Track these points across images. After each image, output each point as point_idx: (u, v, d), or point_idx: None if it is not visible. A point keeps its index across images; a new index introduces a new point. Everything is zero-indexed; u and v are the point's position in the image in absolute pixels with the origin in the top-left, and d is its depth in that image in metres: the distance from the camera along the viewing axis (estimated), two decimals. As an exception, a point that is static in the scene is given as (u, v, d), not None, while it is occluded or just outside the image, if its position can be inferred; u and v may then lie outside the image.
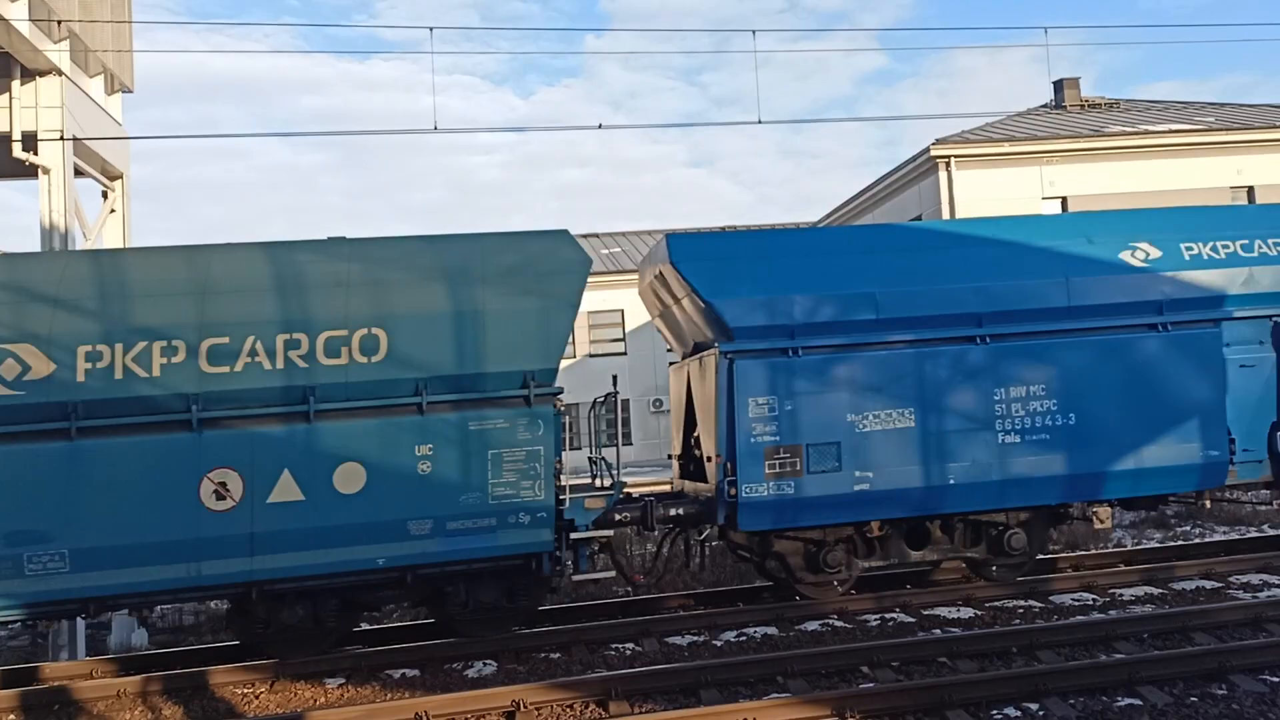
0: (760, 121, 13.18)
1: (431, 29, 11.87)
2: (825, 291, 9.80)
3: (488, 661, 9.06)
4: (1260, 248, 10.28)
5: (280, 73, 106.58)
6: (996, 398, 9.80)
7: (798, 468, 9.54)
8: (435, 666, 8.98)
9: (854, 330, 9.77)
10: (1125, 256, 10.09)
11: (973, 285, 9.89)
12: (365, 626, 10.39)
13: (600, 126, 12.49)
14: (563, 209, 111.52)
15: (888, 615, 9.74)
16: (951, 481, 9.71)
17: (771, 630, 9.48)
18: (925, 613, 9.72)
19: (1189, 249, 10.17)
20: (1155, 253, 10.11)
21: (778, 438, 9.55)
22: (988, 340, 9.87)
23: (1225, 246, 10.23)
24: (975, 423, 9.76)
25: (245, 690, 8.64)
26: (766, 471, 9.52)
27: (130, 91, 15.71)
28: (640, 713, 7.18)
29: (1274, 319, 10.30)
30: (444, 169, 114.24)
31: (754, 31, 12.59)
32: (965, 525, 10.26)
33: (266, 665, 8.92)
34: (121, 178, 15.16)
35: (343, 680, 8.76)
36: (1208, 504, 11.25)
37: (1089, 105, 29.34)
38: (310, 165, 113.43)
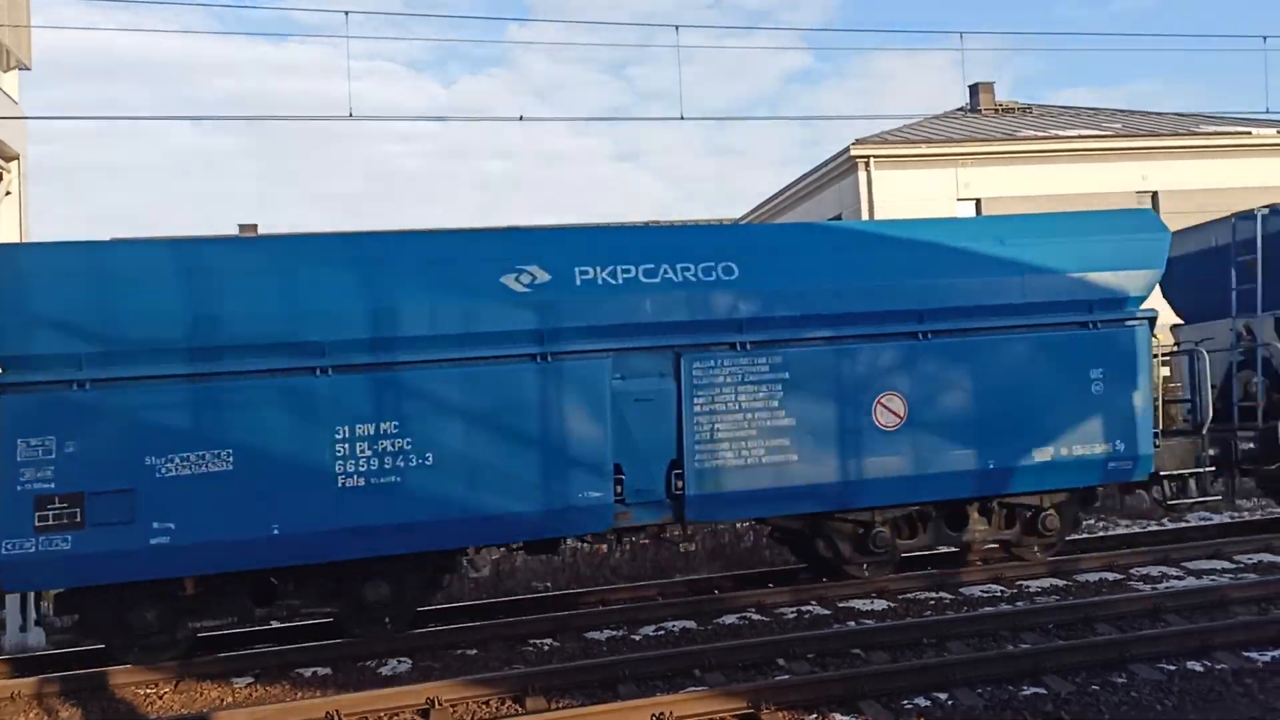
0: (683, 118, 13.30)
1: (347, 13, 11.65)
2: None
3: (402, 659, 8.92)
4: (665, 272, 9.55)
5: (190, 54, 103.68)
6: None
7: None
8: (347, 665, 8.80)
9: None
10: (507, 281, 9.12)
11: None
12: (274, 625, 10.14)
13: (521, 119, 12.46)
14: (485, 200, 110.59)
15: (804, 608, 9.85)
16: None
17: (690, 624, 9.52)
18: (840, 605, 9.86)
19: (583, 272, 9.35)
20: (544, 276, 9.23)
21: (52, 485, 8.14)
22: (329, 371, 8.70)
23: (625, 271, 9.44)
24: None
25: (148, 690, 8.35)
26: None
27: (27, 69, 15.14)
28: (558, 708, 7.15)
29: (676, 350, 9.50)
30: (363, 157, 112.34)
31: (677, 27, 12.66)
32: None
33: (169, 666, 8.65)
34: (18, 159, 14.57)
35: (251, 679, 8.54)
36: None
37: (1003, 109, 30.14)
38: (222, 150, 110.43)
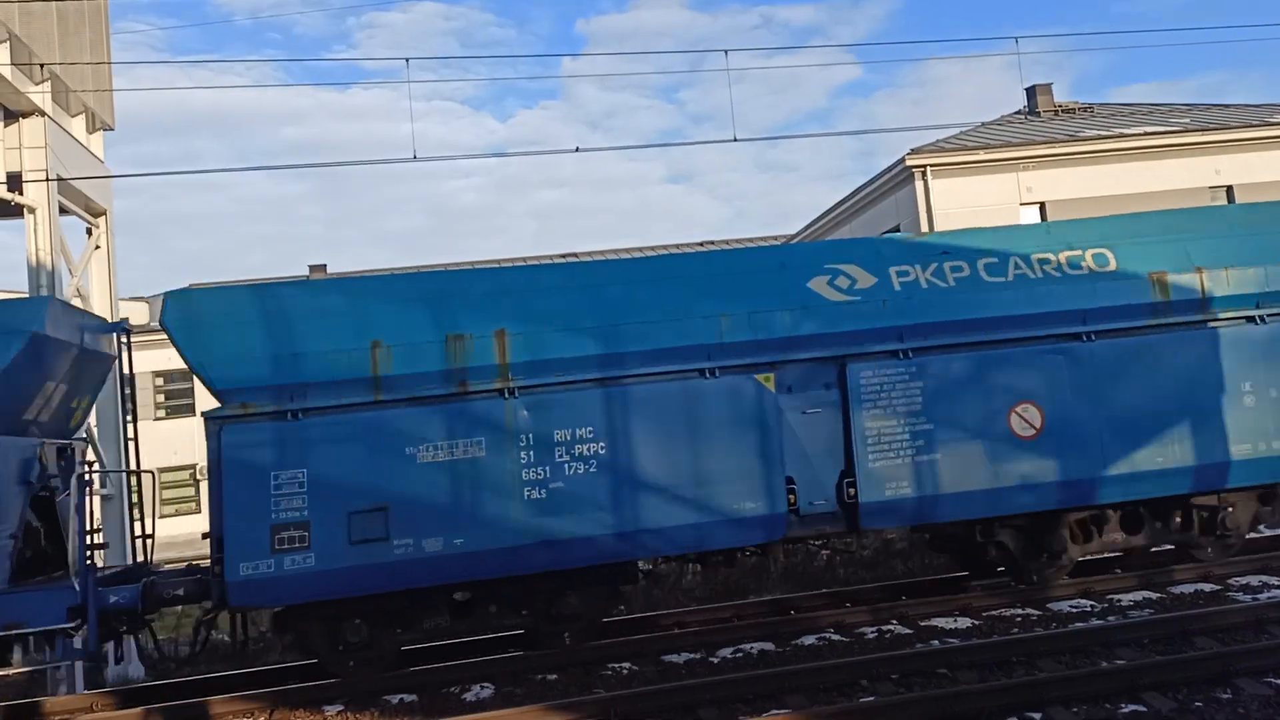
0: (735, 139, 13.22)
1: (408, 59, 11.89)
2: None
3: (485, 685, 8.94)
4: None
5: (260, 105, 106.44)
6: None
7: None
8: (432, 690, 8.87)
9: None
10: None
11: None
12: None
13: (577, 150, 12.48)
14: (541, 230, 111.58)
15: (885, 628, 9.67)
16: None
17: (769, 646, 9.40)
18: (923, 624, 9.66)
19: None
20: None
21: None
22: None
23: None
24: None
25: (245, 719, 8.51)
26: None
27: (111, 129, 15.76)
28: (641, 734, 7.10)
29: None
30: (423, 195, 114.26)
31: (726, 51, 12.64)
32: None
33: (265, 694, 8.79)
34: (105, 214, 15.16)
35: (341, 707, 8.63)
36: None
37: (1063, 110, 29.56)
38: (290, 196, 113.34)
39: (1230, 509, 10.34)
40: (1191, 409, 9.96)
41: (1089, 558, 10.84)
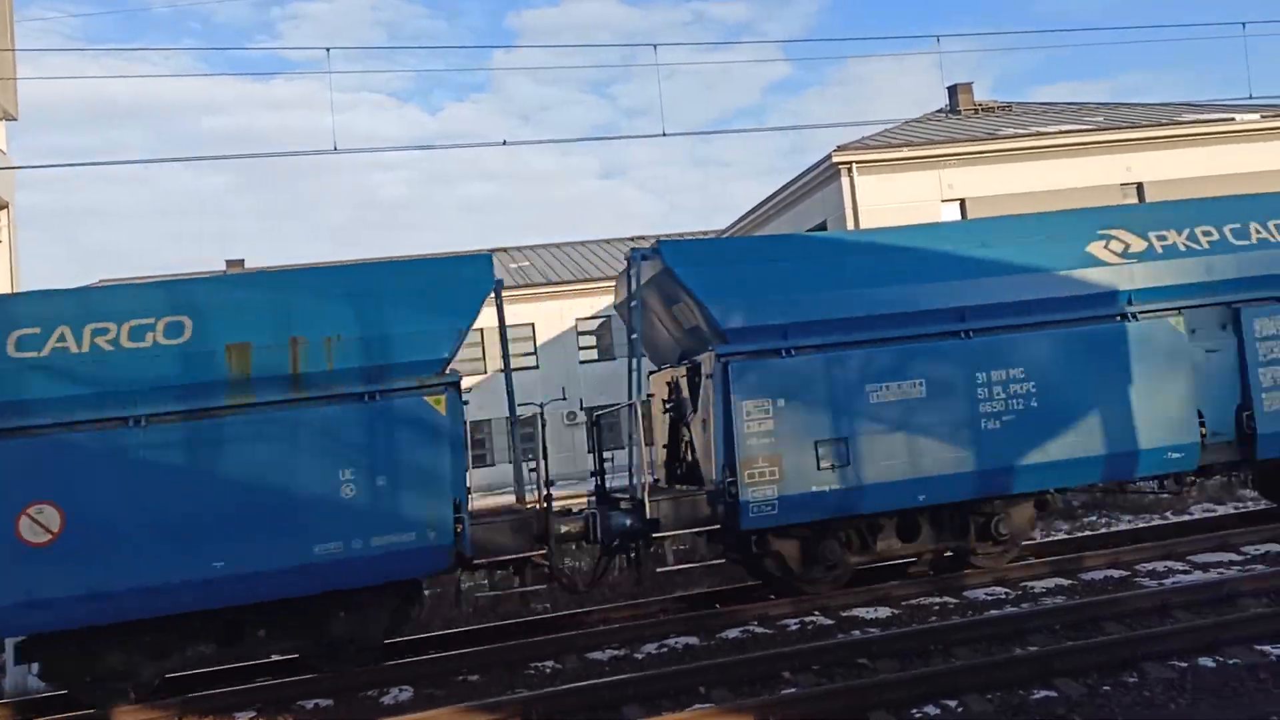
0: (665, 134, 13.21)
1: (329, 49, 11.53)
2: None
3: (404, 688, 8.78)
4: None
5: (181, 96, 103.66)
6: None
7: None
8: (349, 695, 8.68)
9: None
10: None
11: None
12: (274, 658, 9.99)
13: (504, 143, 12.32)
14: (471, 224, 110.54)
15: (807, 619, 9.74)
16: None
17: (693, 640, 9.40)
18: (844, 615, 9.75)
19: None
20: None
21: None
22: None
23: None
24: None
25: (146, 732, 8.23)
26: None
27: (14, 119, 15.14)
28: (562, 733, 7.03)
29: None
30: (351, 187, 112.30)
31: (655, 46, 12.61)
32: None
33: (171, 704, 8.51)
34: (7, 207, 14.57)
35: (253, 714, 8.40)
36: None
37: (983, 109, 30.15)
38: (214, 188, 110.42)
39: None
40: None
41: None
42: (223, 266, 41.27)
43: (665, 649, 9.23)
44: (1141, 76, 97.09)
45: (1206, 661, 7.26)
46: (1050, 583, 10.24)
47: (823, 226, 25.17)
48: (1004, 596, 9.91)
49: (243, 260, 41.02)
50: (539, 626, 10.58)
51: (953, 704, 6.90)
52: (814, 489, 9.88)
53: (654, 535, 10.01)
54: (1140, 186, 24.69)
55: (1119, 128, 25.88)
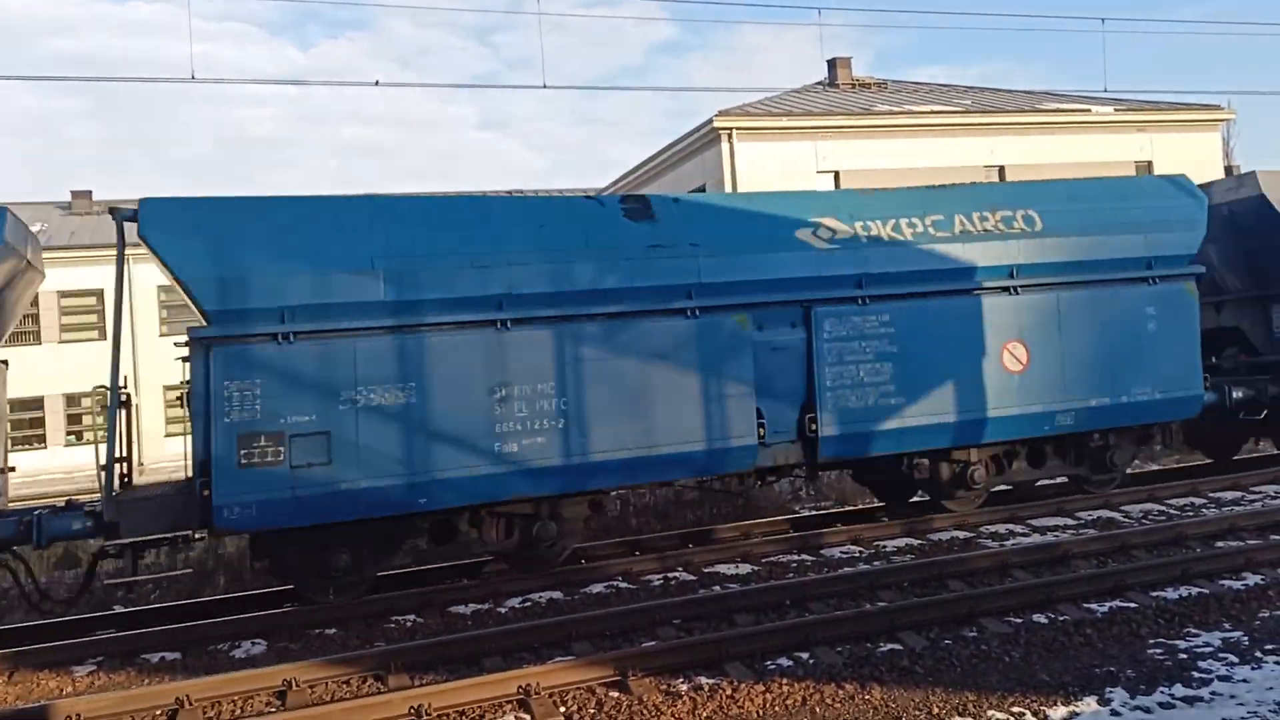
0: (545, 86, 13.02)
1: (191, -34, 10.90)
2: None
3: (256, 641, 8.57)
4: None
5: (28, 12, 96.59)
6: None
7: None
8: (198, 649, 8.42)
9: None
10: None
11: None
12: (118, 609, 9.60)
13: (378, 84, 11.96)
14: (343, 167, 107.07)
15: (671, 575, 9.92)
16: None
17: (557, 595, 9.46)
18: (706, 570, 9.97)
19: None
20: None
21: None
22: None
23: None
24: None
25: (-24, 686, 7.80)
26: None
27: None
28: (421, 684, 6.98)
29: None
30: (212, 121, 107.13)
31: (538, -6, 12.39)
32: None
33: (2, 655, 8.09)
34: None
35: (93, 667, 8.07)
36: None
37: (860, 85, 30.81)
38: (60, 112, 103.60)
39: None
40: None
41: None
42: (67, 198, 38.98)
43: (529, 603, 9.26)
44: (1008, 64, 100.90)
45: (1040, 618, 7.73)
46: (901, 542, 10.69)
47: (702, 189, 25.37)
48: (858, 554, 10.29)
49: (90, 192, 38.77)
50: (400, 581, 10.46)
51: (804, 655, 7.16)
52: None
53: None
54: (1002, 169, 25.73)
55: (985, 111, 26.87)
